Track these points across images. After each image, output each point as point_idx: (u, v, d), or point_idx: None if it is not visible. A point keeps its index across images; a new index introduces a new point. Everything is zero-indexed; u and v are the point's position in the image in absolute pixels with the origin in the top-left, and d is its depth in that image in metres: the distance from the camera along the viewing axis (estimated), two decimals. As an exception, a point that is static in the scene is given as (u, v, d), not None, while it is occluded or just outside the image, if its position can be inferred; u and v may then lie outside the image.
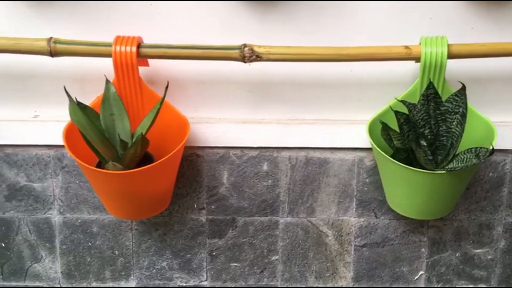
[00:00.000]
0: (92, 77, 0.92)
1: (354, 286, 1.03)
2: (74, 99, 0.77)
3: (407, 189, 0.82)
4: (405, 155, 0.81)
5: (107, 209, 0.91)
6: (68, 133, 0.83)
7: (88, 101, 0.93)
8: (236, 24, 0.90)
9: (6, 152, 0.94)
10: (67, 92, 0.75)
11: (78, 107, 0.73)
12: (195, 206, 0.99)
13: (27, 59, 0.89)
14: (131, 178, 0.81)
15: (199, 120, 0.94)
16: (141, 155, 0.84)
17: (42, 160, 0.95)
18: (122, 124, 0.84)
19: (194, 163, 0.96)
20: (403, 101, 0.78)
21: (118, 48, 0.81)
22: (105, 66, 0.90)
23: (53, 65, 0.91)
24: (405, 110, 0.81)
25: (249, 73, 0.92)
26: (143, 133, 0.79)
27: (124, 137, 0.84)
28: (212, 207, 0.99)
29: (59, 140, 0.93)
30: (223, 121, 0.95)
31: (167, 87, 0.81)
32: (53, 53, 0.81)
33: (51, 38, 0.82)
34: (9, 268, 1.01)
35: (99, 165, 0.87)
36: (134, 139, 0.81)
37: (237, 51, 0.83)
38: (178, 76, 0.93)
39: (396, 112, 0.78)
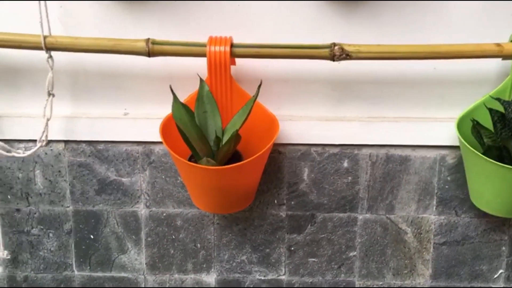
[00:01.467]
0: (180, 75, 0.96)
1: (432, 284, 1.03)
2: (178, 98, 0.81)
3: (499, 187, 0.81)
4: (497, 153, 0.81)
5: (195, 202, 0.95)
6: (164, 129, 0.87)
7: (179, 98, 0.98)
8: (319, 23, 0.91)
9: (98, 148, 0.99)
10: (172, 91, 0.79)
11: (182, 105, 0.76)
12: (275, 201, 1.02)
13: (119, 59, 0.93)
14: (224, 173, 0.84)
15: (281, 117, 0.95)
16: (233, 151, 0.87)
17: (131, 156, 1.00)
18: (214, 121, 0.87)
19: (275, 160, 0.99)
20: (498, 99, 0.78)
21: (212, 48, 0.85)
22: (192, 64, 0.94)
23: (143, 64, 0.95)
24: (495, 108, 0.81)
25: (332, 71, 0.94)
26: (237, 131, 0.82)
27: (216, 134, 0.87)
28: (292, 203, 1.01)
29: (148, 137, 0.99)
30: (305, 119, 0.97)
31: (259, 86, 0.84)
32: (150, 54, 0.85)
33: (148, 39, 0.85)
34: (97, 259, 1.06)
35: (190, 160, 0.91)
36: (228, 136, 0.84)
37: (326, 50, 0.84)
38: (261, 74, 0.95)
39: (491, 110, 0.78)
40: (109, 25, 0.93)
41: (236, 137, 0.82)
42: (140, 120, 0.98)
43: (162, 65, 0.96)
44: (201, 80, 0.87)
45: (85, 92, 0.97)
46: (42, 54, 0.88)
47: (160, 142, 0.99)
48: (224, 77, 0.87)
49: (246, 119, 0.84)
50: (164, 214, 1.03)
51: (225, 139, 0.85)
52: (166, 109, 0.97)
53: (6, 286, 1.07)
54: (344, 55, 0.85)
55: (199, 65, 0.93)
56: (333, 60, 0.85)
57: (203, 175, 0.85)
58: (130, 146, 1.00)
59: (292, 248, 1.04)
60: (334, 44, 0.85)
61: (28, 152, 0.92)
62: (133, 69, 0.96)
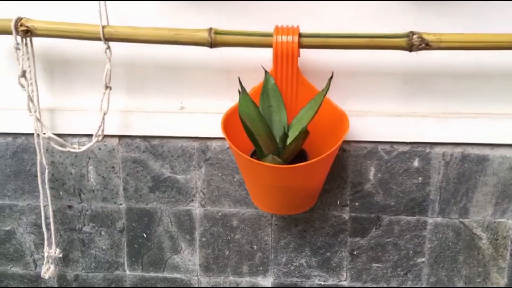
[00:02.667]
0: (239, 68, 0.91)
1: (508, 294, 0.95)
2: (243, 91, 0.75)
3: None
4: None
5: (255, 201, 0.90)
6: (225, 124, 0.82)
7: (235, 92, 0.92)
8: (389, 11, 0.85)
9: (152, 144, 0.95)
10: (241, 84, 0.74)
11: (250, 100, 0.71)
12: (338, 202, 0.95)
13: (176, 50, 0.89)
14: (290, 172, 0.78)
15: (347, 112, 0.88)
16: (299, 149, 0.81)
17: (186, 152, 0.95)
18: (279, 116, 0.82)
19: (339, 158, 0.92)
20: None
21: (279, 38, 0.79)
22: (251, 56, 0.89)
23: (200, 56, 0.90)
24: None
25: (403, 62, 0.87)
26: (306, 127, 0.76)
27: (280, 130, 0.82)
28: (356, 204, 0.95)
29: (204, 132, 0.94)
30: (372, 114, 0.90)
31: (331, 78, 0.78)
32: (213, 44, 0.80)
33: (211, 29, 0.81)
34: (149, 258, 1.02)
35: (252, 157, 0.86)
36: (295, 132, 0.78)
37: (404, 39, 0.78)
38: (325, 66, 0.89)
39: None
40: (167, 15, 0.88)
41: (304, 133, 0.77)
42: (197, 115, 0.93)
43: (220, 57, 0.91)
44: (266, 72, 0.81)
45: (140, 85, 0.93)
46: (97, 45, 0.84)
47: (217, 138, 0.95)
48: (290, 69, 0.81)
49: (315, 114, 0.78)
50: (220, 214, 0.98)
51: (291, 135, 0.80)
52: (224, 103, 0.93)
53: (56, 285, 1.04)
54: (423, 45, 0.77)
55: (260, 56, 0.88)
56: (411, 51, 0.78)
57: (268, 173, 0.80)
58: (186, 142, 0.95)
59: (355, 252, 0.98)
60: (413, 33, 0.78)
61: (84, 148, 0.89)
62: (190, 61, 0.91)
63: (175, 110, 0.94)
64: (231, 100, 0.93)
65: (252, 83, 0.91)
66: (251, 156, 0.86)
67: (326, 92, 0.77)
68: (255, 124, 0.73)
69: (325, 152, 0.82)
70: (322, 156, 0.77)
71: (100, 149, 0.96)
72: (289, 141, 0.79)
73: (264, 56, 0.88)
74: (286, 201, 0.86)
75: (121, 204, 0.99)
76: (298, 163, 0.81)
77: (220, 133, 0.93)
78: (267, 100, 0.81)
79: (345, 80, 0.90)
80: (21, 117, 0.93)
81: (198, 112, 0.93)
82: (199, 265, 1.01)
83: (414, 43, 0.77)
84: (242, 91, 0.72)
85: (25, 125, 0.93)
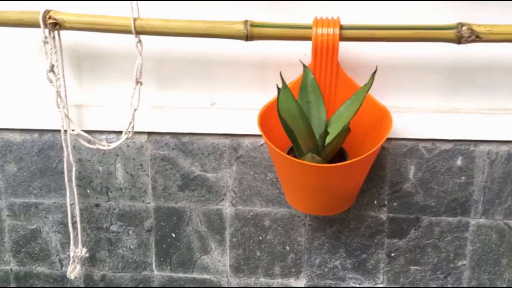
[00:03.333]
0: (273, 62, 0.87)
1: (554, 299, 0.91)
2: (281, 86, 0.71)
3: None
4: None
5: (289, 201, 0.86)
6: (262, 120, 0.79)
7: (269, 87, 0.89)
8: (436, 1, 0.81)
9: (182, 141, 0.92)
10: (282, 79, 0.70)
11: (292, 96, 0.67)
12: (375, 202, 0.92)
13: (207, 44, 0.85)
14: (330, 172, 0.75)
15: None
16: (339, 147, 0.78)
17: (217, 150, 0.92)
18: (318, 113, 0.78)
19: (377, 156, 0.88)
20: None
21: (319, 30, 0.75)
22: (286, 50, 0.85)
23: (233, 50, 0.86)
24: None
25: (447, 56, 0.83)
26: (348, 124, 0.72)
27: (319, 127, 0.78)
28: (394, 204, 0.91)
29: (236, 129, 0.91)
30: (413, 110, 0.86)
31: (374, 73, 0.74)
32: (249, 37, 0.76)
33: (247, 21, 0.77)
34: (178, 259, 0.99)
35: (288, 154, 0.82)
36: (336, 130, 0.75)
37: (453, 31, 0.73)
38: (363, 60, 0.85)
39: None
40: (196, 6, 0.85)
41: (346, 131, 0.73)
42: (228, 111, 0.89)
43: (253, 51, 0.87)
44: (305, 67, 0.77)
45: (170, 80, 0.90)
46: (126, 38, 0.80)
47: (250, 135, 0.92)
48: (330, 63, 0.77)
49: (356, 111, 0.74)
50: (251, 213, 0.95)
51: (331, 132, 0.76)
52: (256, 99, 0.90)
53: (82, 285, 1.02)
54: (473, 37, 0.73)
55: (294, 50, 0.84)
56: (459, 43, 0.74)
57: (306, 172, 0.76)
58: (217, 139, 0.92)
59: (392, 254, 0.94)
60: (462, 24, 0.73)
61: (113, 145, 0.86)
62: (222, 55, 0.87)
63: (206, 106, 0.90)
64: (264, 95, 0.89)
65: (286, 78, 0.87)
66: (288, 153, 0.82)
67: (369, 88, 0.73)
68: (295, 121, 0.70)
69: (365, 151, 0.78)
70: (364, 155, 0.73)
71: (128, 146, 0.93)
72: (329, 139, 0.76)
73: (299, 49, 0.84)
74: (323, 202, 0.82)
75: (150, 203, 0.96)
76: (337, 162, 0.78)
77: (252, 130, 0.91)
78: (305, 96, 0.77)
79: (384, 74, 0.85)
80: (47, 113, 0.91)
81: (229, 108, 0.89)
82: (229, 266, 0.98)
83: (463, 35, 0.73)
84: (283, 86, 0.68)
85: (52, 121, 0.91)
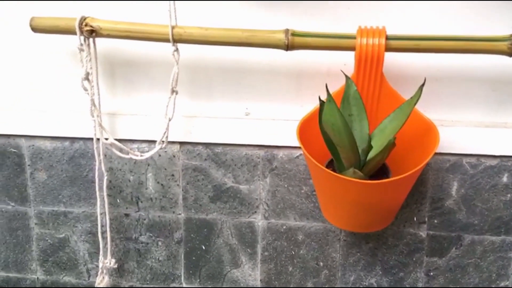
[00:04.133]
0: (310, 72, 0.84)
1: None
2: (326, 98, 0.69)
3: None
4: None
5: (326, 215, 0.83)
6: (301, 132, 0.76)
7: (305, 98, 0.86)
8: (486, 11, 0.77)
9: (215, 151, 0.90)
10: (327, 91, 0.67)
11: (337, 109, 0.64)
12: (415, 219, 0.88)
13: (242, 52, 0.83)
14: (373, 188, 0.71)
15: (428, 122, 0.83)
16: (383, 162, 0.75)
17: (251, 161, 0.90)
18: (360, 126, 0.75)
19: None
20: None
21: (364, 40, 0.72)
22: (323, 59, 0.82)
23: (268, 59, 0.84)
24: None
25: (493, 67, 0.79)
26: (394, 139, 0.69)
27: (361, 140, 0.75)
28: (435, 221, 0.88)
29: (271, 140, 0.88)
30: (457, 124, 0.82)
31: (422, 86, 0.71)
32: (289, 47, 0.74)
33: (288, 30, 0.74)
34: (207, 271, 0.97)
35: (327, 167, 0.79)
36: (380, 144, 0.72)
37: (505, 42, 0.69)
38: (405, 71, 0.82)
39: None
40: (233, 14, 0.83)
41: (391, 146, 0.70)
42: (263, 121, 0.87)
43: (289, 59, 0.84)
44: (347, 78, 0.74)
45: (203, 89, 0.88)
46: (160, 46, 0.79)
47: (285, 147, 0.89)
48: (374, 74, 0.74)
49: (402, 125, 0.71)
50: (284, 227, 0.92)
51: (374, 146, 0.73)
52: (292, 109, 0.87)
53: (110, 295, 1.01)
54: (527, 49, 0.70)
55: (332, 59, 0.82)
56: (511, 55, 0.71)
57: (347, 188, 0.73)
58: (251, 150, 0.89)
59: (431, 273, 0.90)
60: (515, 36, 0.70)
61: (146, 155, 0.84)
62: (257, 63, 0.85)
63: (240, 116, 0.88)
64: (300, 106, 0.87)
65: (323, 88, 0.85)
66: (327, 166, 0.79)
67: (416, 102, 0.70)
68: (339, 135, 0.67)
69: (407, 165, 0.75)
70: (410, 172, 0.69)
71: (160, 156, 0.91)
72: (372, 153, 0.73)
73: (337, 59, 0.82)
74: (362, 218, 0.79)
75: (180, 214, 0.94)
76: (379, 177, 0.75)
77: (288, 141, 0.88)
78: (347, 108, 0.74)
79: (427, 85, 0.81)
80: (79, 120, 0.89)
81: (264, 119, 0.87)
82: (260, 280, 0.95)
83: (517, 47, 0.70)
84: (329, 99, 0.65)
85: (84, 129, 0.89)
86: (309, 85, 0.86)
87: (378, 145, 0.74)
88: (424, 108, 0.82)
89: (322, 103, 0.70)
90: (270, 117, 0.87)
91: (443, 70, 0.81)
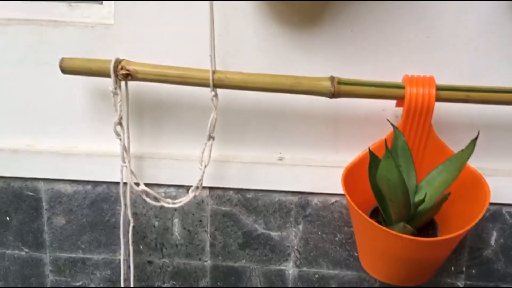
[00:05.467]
0: (348, 117, 0.82)
1: None
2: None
3: None
4: None
5: (365, 264, 0.80)
6: (345, 180, 0.74)
7: (342, 143, 0.84)
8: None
9: (246, 197, 0.86)
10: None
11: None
12: (453, 269, 0.85)
13: (277, 96, 0.80)
14: (421, 245, 0.69)
15: (468, 170, 0.81)
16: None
17: (284, 207, 0.86)
18: (408, 178, 0.72)
19: (457, 220, 0.83)
20: None
21: (414, 90, 0.70)
22: (363, 105, 0.80)
23: (304, 103, 0.81)
24: None
25: (536, 118, 0.79)
26: (449, 194, 0.67)
27: (404, 189, 0.72)
28: (473, 271, 0.85)
29: (305, 186, 0.85)
30: (498, 173, 0.81)
31: (475, 140, 0.69)
32: (335, 95, 0.72)
33: (333, 78, 0.72)
34: (233, 321, 0.92)
35: (371, 216, 0.77)
36: (430, 198, 0.69)
37: (557, 96, 0.69)
38: (444, 118, 0.81)
39: None
40: (272, 58, 0.80)
41: (444, 201, 0.67)
42: (297, 167, 0.84)
43: (326, 104, 0.81)
44: (395, 128, 0.72)
45: (236, 132, 0.84)
46: (191, 87, 0.76)
47: (319, 193, 0.86)
48: (423, 124, 0.72)
49: (454, 179, 0.69)
50: (317, 276, 0.89)
51: (420, 198, 0.70)
52: (328, 156, 0.84)
53: None
54: None
55: (372, 105, 0.80)
56: (562, 109, 0.70)
57: (394, 242, 0.70)
58: (284, 196, 0.86)
59: (468, 325, 0.88)
60: None
61: (179, 203, 0.79)
62: (293, 107, 0.82)
63: (274, 161, 0.85)
64: (336, 152, 0.84)
65: (364, 135, 0.83)
66: (370, 215, 0.77)
67: (470, 155, 0.68)
68: (394, 191, 0.64)
69: (453, 217, 0.74)
70: (463, 231, 0.67)
71: (188, 200, 0.87)
72: (421, 206, 0.70)
73: (376, 104, 0.80)
74: (403, 272, 0.76)
75: (206, 261, 0.90)
76: (426, 231, 0.73)
77: (323, 188, 0.85)
78: (395, 160, 0.72)
79: (466, 133, 0.81)
80: (103, 163, 0.85)
81: (299, 165, 0.84)
82: (289, 331, 0.91)
83: None
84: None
85: (108, 173, 0.85)
86: (346, 130, 0.83)
87: (427, 197, 0.72)
88: (464, 156, 0.81)
89: (372, 154, 0.68)
90: (305, 162, 0.84)
91: (483, 117, 0.80)
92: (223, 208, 0.87)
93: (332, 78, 0.72)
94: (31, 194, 0.88)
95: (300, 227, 0.87)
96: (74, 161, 0.86)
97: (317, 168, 0.83)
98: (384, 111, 0.81)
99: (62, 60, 0.75)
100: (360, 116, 0.82)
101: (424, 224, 0.74)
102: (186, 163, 0.84)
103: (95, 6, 0.82)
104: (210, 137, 0.76)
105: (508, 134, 0.80)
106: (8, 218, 0.90)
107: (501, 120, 0.79)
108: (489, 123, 0.80)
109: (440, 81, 0.74)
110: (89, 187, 0.87)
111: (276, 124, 0.84)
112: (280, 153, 0.85)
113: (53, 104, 0.84)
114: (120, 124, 0.75)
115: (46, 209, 0.89)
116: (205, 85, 0.73)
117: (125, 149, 0.76)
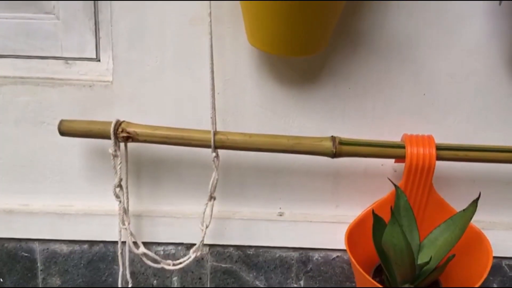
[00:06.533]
0: (346, 173, 0.82)
1: None
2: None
3: None
4: None
5: None
6: (348, 240, 0.74)
7: (342, 198, 0.84)
8: None
9: (247, 253, 0.85)
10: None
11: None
12: (455, 322, 0.85)
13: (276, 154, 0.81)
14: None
15: (467, 223, 0.82)
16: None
17: (285, 263, 0.85)
18: (411, 237, 0.72)
19: (458, 273, 0.83)
20: None
21: (414, 150, 0.71)
22: (361, 161, 0.80)
23: (303, 159, 0.82)
24: None
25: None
26: (454, 256, 0.67)
27: (410, 253, 0.72)
28: (476, 324, 0.85)
29: (306, 242, 0.85)
30: (497, 227, 0.82)
31: (477, 200, 0.69)
32: (337, 155, 0.72)
33: (335, 138, 0.72)
34: None
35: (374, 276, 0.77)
36: (445, 262, 0.68)
37: (554, 155, 0.71)
38: (441, 172, 0.82)
39: None
40: (272, 115, 0.80)
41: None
42: (298, 223, 0.84)
43: (325, 159, 0.82)
44: (397, 188, 0.72)
45: (235, 188, 0.84)
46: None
47: (320, 249, 0.86)
48: (423, 183, 0.73)
49: (458, 239, 0.69)
50: (319, 332, 0.88)
51: (425, 257, 0.70)
52: (328, 211, 0.84)
53: None
54: None
55: (370, 162, 0.81)
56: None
57: (400, 304, 0.70)
58: (285, 252, 0.85)
59: None
60: None
61: (179, 265, 0.78)
62: (292, 163, 0.82)
63: (274, 217, 0.84)
64: (336, 206, 0.84)
65: (362, 191, 0.83)
66: (374, 273, 0.76)
67: (472, 217, 0.69)
68: (399, 255, 0.64)
69: (454, 274, 0.74)
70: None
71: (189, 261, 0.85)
72: (426, 266, 0.70)
73: (375, 159, 0.80)
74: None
75: (206, 320, 0.88)
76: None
77: (324, 244, 0.85)
78: (398, 220, 0.72)
79: (465, 186, 0.82)
80: (99, 222, 0.83)
81: (299, 221, 0.83)
82: None
83: None
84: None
85: (104, 231, 0.83)
86: (345, 184, 0.83)
87: (429, 256, 0.72)
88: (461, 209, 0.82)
89: (376, 216, 0.68)
90: (305, 218, 0.84)
91: (480, 171, 0.81)
92: (223, 265, 0.86)
93: (333, 138, 0.72)
94: (26, 254, 0.86)
95: (302, 282, 0.86)
96: (70, 221, 0.84)
97: (318, 224, 0.83)
98: (383, 166, 0.82)
99: (61, 122, 0.74)
100: (359, 171, 0.82)
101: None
102: (185, 221, 0.83)
103: (92, 63, 0.83)
104: (211, 198, 0.76)
105: (506, 188, 0.81)
106: (1, 280, 0.87)
107: (498, 174, 0.80)
108: (486, 177, 0.81)
109: (437, 136, 0.75)
110: (85, 246, 0.85)
111: (276, 179, 0.84)
112: (280, 208, 0.85)
113: (49, 163, 0.83)
114: (120, 186, 0.74)
115: (41, 270, 0.86)
116: (206, 146, 0.73)
117: (125, 211, 0.75)
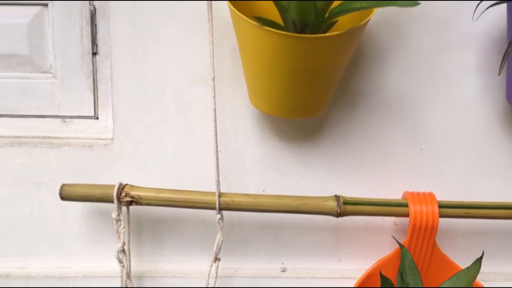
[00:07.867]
0: (348, 227, 0.82)
1: None
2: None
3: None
4: None
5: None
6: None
7: (344, 251, 0.84)
8: None
9: (250, 312, 0.84)
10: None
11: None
12: None
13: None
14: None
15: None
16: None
17: (290, 321, 0.85)
18: (417, 295, 0.73)
19: (461, 325, 0.84)
20: None
21: (418, 207, 0.72)
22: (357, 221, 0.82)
23: (304, 215, 0.82)
24: None
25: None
26: (459, 312, 0.67)
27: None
28: None
29: (311, 298, 0.84)
30: (499, 278, 0.83)
31: (480, 259, 0.70)
32: (341, 214, 0.73)
33: (338, 197, 0.73)
34: None
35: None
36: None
37: (552, 211, 0.72)
38: (441, 226, 0.82)
39: None
40: (273, 172, 0.80)
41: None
42: (301, 279, 0.83)
43: (325, 219, 0.83)
44: (402, 247, 0.73)
45: (238, 245, 0.83)
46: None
47: (324, 304, 0.85)
48: (427, 241, 0.73)
49: (461, 297, 0.70)
50: None
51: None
52: (330, 266, 0.84)
53: None
54: None
55: (371, 217, 0.81)
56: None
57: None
58: (289, 309, 0.85)
59: None
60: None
61: (184, 328, 0.77)
62: (294, 218, 0.82)
63: (276, 273, 0.84)
64: (338, 260, 0.84)
65: (364, 243, 0.84)
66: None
67: (477, 275, 0.69)
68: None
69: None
70: None
71: (191, 321, 0.84)
72: (433, 326, 0.70)
73: (373, 220, 0.82)
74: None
75: None
76: None
77: (327, 300, 0.85)
78: (404, 279, 0.72)
79: (465, 238, 0.83)
80: (99, 285, 0.81)
81: (302, 277, 0.83)
82: None
83: None
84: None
85: (105, 291, 0.82)
86: (347, 238, 0.83)
87: (436, 315, 0.72)
88: (464, 261, 0.81)
89: (383, 277, 0.68)
90: (308, 273, 0.83)
91: (480, 223, 0.82)
92: (227, 324, 0.85)
93: (337, 198, 0.73)
94: (21, 321, 0.83)
95: None
96: (69, 283, 0.82)
97: (320, 280, 0.83)
98: (383, 220, 0.82)
99: (62, 187, 0.73)
100: (360, 225, 0.83)
101: None
102: (187, 280, 0.82)
103: (90, 121, 0.82)
104: (216, 259, 0.75)
105: (506, 238, 0.82)
106: None
107: (497, 226, 0.82)
108: (485, 228, 0.82)
109: (435, 190, 0.77)
110: (84, 309, 0.84)
111: (279, 235, 0.84)
112: (283, 263, 0.85)
113: (47, 225, 0.81)
114: (123, 251, 0.73)
115: (37, 336, 0.84)
116: (211, 208, 0.72)
117: (128, 276, 0.73)
